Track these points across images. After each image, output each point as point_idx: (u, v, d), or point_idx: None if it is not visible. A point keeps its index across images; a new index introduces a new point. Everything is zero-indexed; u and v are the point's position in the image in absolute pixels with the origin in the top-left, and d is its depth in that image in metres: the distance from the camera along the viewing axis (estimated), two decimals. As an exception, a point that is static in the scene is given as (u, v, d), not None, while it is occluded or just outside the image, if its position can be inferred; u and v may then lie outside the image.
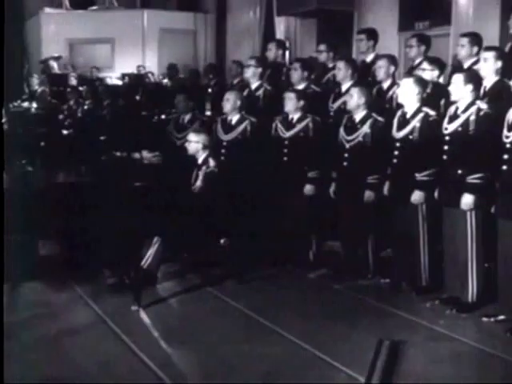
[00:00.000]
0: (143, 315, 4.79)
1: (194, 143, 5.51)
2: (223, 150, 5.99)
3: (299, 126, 5.71)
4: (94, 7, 14.78)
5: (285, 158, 5.75)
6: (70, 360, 4.04)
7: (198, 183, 5.41)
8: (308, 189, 5.63)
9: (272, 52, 7.27)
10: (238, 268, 5.49)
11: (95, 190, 6.05)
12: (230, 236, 5.33)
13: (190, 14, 14.12)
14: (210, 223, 5.22)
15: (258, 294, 5.27)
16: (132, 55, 13.58)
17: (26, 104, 10.52)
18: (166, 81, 11.39)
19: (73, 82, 11.75)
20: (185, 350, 4.19)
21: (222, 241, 5.31)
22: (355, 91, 5.34)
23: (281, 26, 11.54)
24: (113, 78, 12.02)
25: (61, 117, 9.74)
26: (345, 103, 5.72)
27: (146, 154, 7.47)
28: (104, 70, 13.27)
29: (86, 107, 9.22)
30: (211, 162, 5.43)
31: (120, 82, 12.00)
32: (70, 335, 4.44)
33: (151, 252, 5.18)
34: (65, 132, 8.67)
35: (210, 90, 8.63)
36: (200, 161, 5.50)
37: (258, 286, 5.43)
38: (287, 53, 9.93)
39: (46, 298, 5.24)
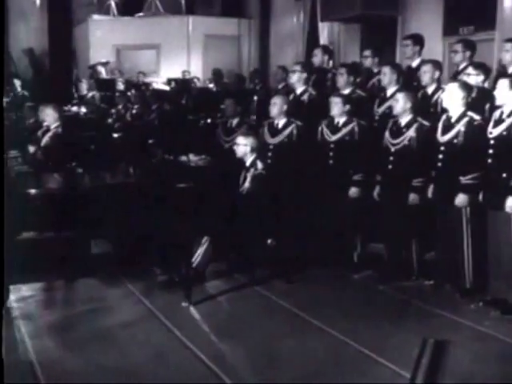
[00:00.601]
0: (193, 311, 4.96)
1: (243, 146, 5.67)
2: (270, 153, 6.14)
3: (345, 130, 5.84)
4: (141, 14, 15.11)
5: (330, 161, 5.87)
6: (125, 351, 4.24)
7: (246, 185, 5.57)
8: (353, 191, 5.75)
9: (318, 58, 7.39)
10: (285, 268, 5.62)
11: (145, 191, 6.22)
12: (276, 236, 5.46)
13: (234, 19, 14.34)
14: (258, 224, 5.36)
15: (304, 293, 5.40)
16: (177, 60, 13.86)
17: (75, 108, 10.82)
18: (211, 85, 11.62)
19: (120, 86, 12.05)
20: (234, 345, 4.35)
21: (268, 241, 5.44)
22: (401, 96, 5.44)
23: (324, 31, 11.66)
24: (159, 83, 12.25)
25: (109, 121, 10.03)
26: (390, 108, 5.82)
27: (192, 157, 7.66)
28: (150, 75, 13.55)
29: (134, 111, 9.48)
30: (259, 165, 5.58)
31: (166, 87, 12.25)
32: (124, 328, 4.64)
33: (200, 251, 5.37)
34: (115, 135, 8.89)
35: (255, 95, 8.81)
36: (248, 163, 5.65)
37: (304, 285, 5.56)
38: (330, 58, 10.05)
39: (99, 293, 5.47)
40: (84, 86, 12.25)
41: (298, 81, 6.76)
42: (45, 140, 7.69)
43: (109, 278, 5.75)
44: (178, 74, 13.09)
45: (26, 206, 5.04)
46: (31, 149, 7.79)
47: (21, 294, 5.26)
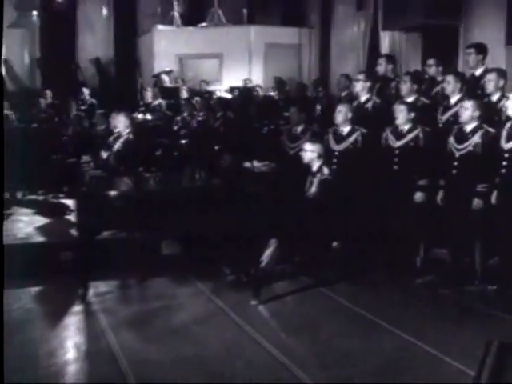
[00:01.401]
0: (262, 309, 5.19)
1: (310, 152, 5.87)
2: (335, 159, 6.32)
3: (409, 136, 5.99)
4: (204, 24, 15.47)
5: (395, 167, 6.03)
6: (199, 344, 4.49)
7: (313, 189, 5.77)
8: (418, 196, 5.88)
9: (382, 67, 7.55)
10: (350, 270, 5.79)
11: (215, 194, 6.47)
12: (342, 240, 5.63)
13: (295, 29, 14.54)
14: (324, 227, 5.55)
15: (368, 295, 5.55)
16: (239, 69, 14.10)
17: (141, 116, 11.20)
18: (273, 93, 11.83)
19: (184, 95, 12.37)
20: (302, 341, 4.54)
21: (334, 244, 5.62)
22: (471, 104, 5.55)
23: (385, 40, 11.78)
24: (221, 91, 12.54)
25: (175, 128, 10.36)
26: (454, 115, 5.94)
27: (256, 163, 7.91)
28: (212, 84, 13.86)
29: (199, 119, 9.78)
30: (325, 170, 5.78)
31: (228, 95, 12.54)
32: (196, 323, 4.91)
33: (268, 253, 5.58)
34: (182, 142, 9.21)
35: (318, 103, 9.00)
36: (314, 169, 5.85)
37: (368, 288, 5.71)
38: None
39: (171, 291, 5.75)
40: (149, 94, 12.55)
41: (362, 89, 6.94)
42: (117, 146, 8.04)
43: (179, 278, 6.03)
44: (239, 83, 13.34)
45: (106, 207, 5.33)
46: (104, 154, 8.16)
47: (99, 290, 5.58)
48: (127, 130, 8.05)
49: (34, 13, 15.60)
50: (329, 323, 4.93)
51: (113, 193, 5.52)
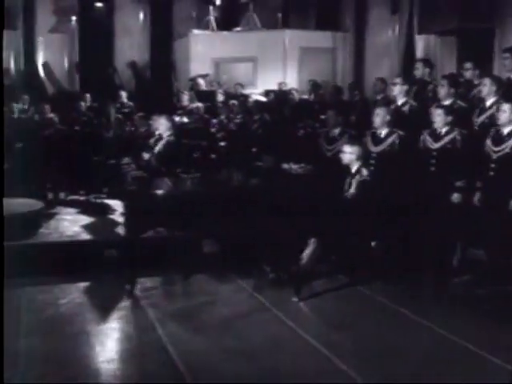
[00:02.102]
0: (302, 305, 5.36)
1: (349, 154, 6.03)
2: (373, 161, 6.46)
3: (447, 138, 6.11)
4: (238, 28, 15.71)
5: (432, 168, 6.15)
6: (243, 337, 4.68)
7: (352, 190, 5.92)
8: (455, 197, 6.00)
9: (419, 71, 7.68)
10: (388, 269, 5.93)
11: (252, 194, 6.66)
12: (380, 239, 5.77)
13: (329, 33, 14.67)
14: (362, 227, 5.70)
15: (407, 293, 5.69)
16: (273, 73, 14.28)
17: (178, 118, 11.43)
18: (307, 96, 11.98)
19: (220, 98, 12.58)
20: (343, 336, 4.72)
21: (372, 243, 5.77)
22: (507, 107, 5.67)
23: (420, 43, 11.86)
24: (257, 95, 12.72)
25: (213, 130, 10.57)
26: (489, 117, 6.06)
27: (293, 165, 8.06)
28: (247, 87, 14.06)
29: (237, 121, 9.98)
30: (364, 172, 5.93)
31: (263, 98, 12.71)
32: (240, 318, 5.11)
33: (308, 252, 5.74)
34: (221, 144, 9.42)
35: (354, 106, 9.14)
36: (353, 170, 6.01)
37: (406, 286, 5.83)
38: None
39: (213, 288, 5.96)
40: (186, 98, 12.76)
41: (399, 93, 7.08)
42: (158, 147, 8.28)
43: (220, 275, 6.23)
44: (273, 86, 13.51)
45: (152, 207, 5.54)
46: (145, 155, 8.40)
47: (145, 286, 5.79)
48: (168, 132, 8.28)
49: (73, 18, 15.98)
50: (368, 319, 5.09)
51: (159, 192, 5.70)
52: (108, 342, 4.61)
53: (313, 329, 4.82)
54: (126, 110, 12.80)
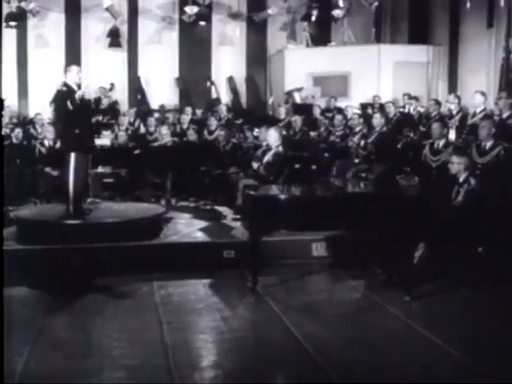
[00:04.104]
0: (414, 304, 5.74)
1: (457, 164, 6.39)
2: (478, 171, 6.79)
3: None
4: (333, 43, 16.21)
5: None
6: (363, 329, 5.13)
7: (459, 199, 6.28)
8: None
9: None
10: (494, 273, 6.23)
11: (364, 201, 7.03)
12: (486, 245, 6.09)
13: (423, 46, 14.97)
14: (470, 233, 6.03)
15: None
16: (366, 86, 14.65)
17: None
18: (402, 110, 12.33)
19: (317, 111, 13.06)
20: (458, 331, 5.06)
21: (479, 249, 6.10)
22: None
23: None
24: (353, 108, 13.12)
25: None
26: None
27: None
28: (341, 100, 14.50)
29: (338, 133, 10.45)
30: (472, 181, 6.28)
31: (358, 111, 13.10)
32: (356, 313, 5.60)
33: (417, 255, 6.12)
34: (326, 155, 9.89)
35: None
36: (461, 180, 6.36)
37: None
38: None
39: (327, 286, 6.50)
40: (282, 111, 13.31)
41: (504, 106, 7.38)
42: (267, 157, 8.86)
43: (332, 276, 6.70)
44: (367, 99, 13.93)
45: (275, 210, 6.03)
46: (254, 165, 8.98)
47: (265, 283, 6.28)
48: (277, 143, 8.85)
49: (174, 34, 16.83)
50: (479, 318, 5.41)
51: (282, 196, 6.20)
52: (240, 330, 5.15)
53: (428, 324, 5.18)
54: (225, 123, 13.45)
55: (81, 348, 4.73)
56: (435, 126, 7.67)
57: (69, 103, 6.89)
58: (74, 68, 7.16)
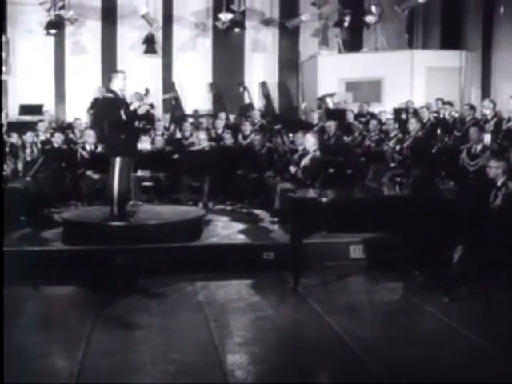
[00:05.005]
0: (453, 305, 5.86)
1: (495, 169, 6.50)
2: (515, 176, 6.88)
3: None
4: (365, 49, 16.34)
5: None
6: (404, 328, 5.30)
7: (498, 202, 6.38)
8: None
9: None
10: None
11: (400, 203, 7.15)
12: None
13: (455, 52, 15.01)
14: (508, 236, 6.13)
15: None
16: (399, 91, 14.73)
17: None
18: (436, 115, 12.39)
19: (350, 115, 13.19)
20: (498, 331, 5.18)
21: (517, 252, 6.19)
22: None
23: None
24: (386, 113, 13.23)
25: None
26: None
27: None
28: (373, 105, 14.61)
29: (373, 138, 10.58)
30: (510, 185, 6.38)
31: (390, 116, 13.19)
32: (396, 313, 5.76)
33: (456, 257, 6.23)
34: (362, 159, 10.03)
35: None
36: (499, 183, 6.46)
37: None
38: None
39: (365, 288, 6.68)
40: (315, 116, 13.44)
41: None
42: (304, 161, 9.03)
43: (370, 278, 6.83)
44: (399, 104, 14.03)
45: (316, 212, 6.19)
46: (292, 169, 9.16)
47: (305, 284, 6.43)
48: (314, 148, 9.02)
49: (208, 40, 17.07)
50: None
51: (324, 199, 6.37)
52: (285, 328, 5.33)
53: (465, 324, 5.30)
54: (260, 128, 13.61)
55: (132, 344, 4.94)
56: (473, 131, 7.79)
57: (122, 113, 7.13)
58: (120, 74, 7.38)
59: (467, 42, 15.52)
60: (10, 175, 9.25)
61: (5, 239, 7.44)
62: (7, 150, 10.00)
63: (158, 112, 15.57)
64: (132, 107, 7.22)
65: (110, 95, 7.32)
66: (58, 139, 11.15)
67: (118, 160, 7.35)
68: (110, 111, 7.32)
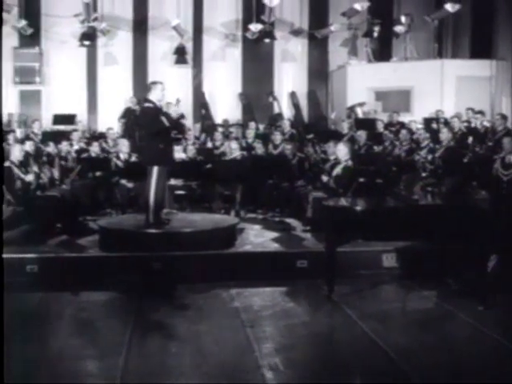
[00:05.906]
0: (488, 313, 5.87)
1: (529, 178, 6.54)
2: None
3: None
4: (395, 58, 16.38)
5: None
6: (440, 335, 5.33)
7: (532, 210, 6.40)
8: None
9: None
10: None
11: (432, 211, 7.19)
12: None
13: (485, 61, 14.99)
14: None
15: None
16: (429, 101, 14.75)
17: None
18: (467, 124, 12.40)
19: (380, 125, 13.21)
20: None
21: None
22: None
23: None
24: (416, 123, 13.26)
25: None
26: None
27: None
28: (402, 115, 14.65)
29: (404, 148, 10.62)
30: (544, 194, 6.41)
31: (420, 126, 13.22)
32: (432, 320, 5.80)
33: (490, 265, 6.27)
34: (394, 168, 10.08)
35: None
36: (533, 192, 6.50)
37: None
38: None
39: (399, 296, 6.72)
40: (345, 125, 13.52)
41: None
42: (336, 171, 9.11)
43: (403, 286, 6.88)
44: (428, 114, 14.04)
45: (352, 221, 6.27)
46: (324, 178, 9.24)
47: (341, 291, 6.49)
48: (346, 157, 9.09)
49: (237, 50, 17.25)
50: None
51: (358, 208, 6.43)
52: (321, 334, 5.42)
53: (501, 332, 5.33)
54: (290, 137, 13.70)
55: (174, 347, 5.06)
56: (506, 141, 7.81)
57: (165, 120, 7.31)
58: (159, 85, 7.54)
59: (497, 51, 15.50)
60: (47, 183, 9.44)
61: (43, 246, 7.70)
62: (44, 158, 10.24)
63: (189, 122, 15.77)
64: (175, 114, 7.40)
65: (150, 105, 7.48)
66: (95, 148, 11.37)
67: (155, 169, 7.51)
68: (151, 120, 7.47)
